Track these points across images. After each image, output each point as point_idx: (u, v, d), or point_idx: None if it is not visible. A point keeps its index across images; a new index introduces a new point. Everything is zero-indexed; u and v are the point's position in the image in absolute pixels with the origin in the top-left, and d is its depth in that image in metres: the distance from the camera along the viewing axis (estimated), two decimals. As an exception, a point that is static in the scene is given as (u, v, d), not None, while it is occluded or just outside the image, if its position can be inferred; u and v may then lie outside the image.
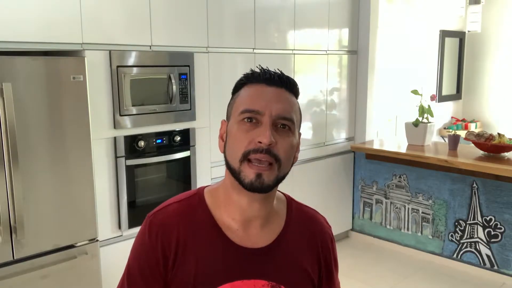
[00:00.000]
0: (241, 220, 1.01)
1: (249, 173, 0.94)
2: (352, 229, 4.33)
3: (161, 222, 1.01)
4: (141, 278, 1.00)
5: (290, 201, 1.11)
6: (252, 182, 0.94)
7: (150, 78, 2.69)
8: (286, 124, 0.97)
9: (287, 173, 0.99)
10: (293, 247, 1.04)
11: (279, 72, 1.01)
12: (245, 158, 0.94)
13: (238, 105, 0.98)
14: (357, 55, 4.09)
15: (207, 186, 1.08)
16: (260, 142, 0.93)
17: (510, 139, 3.42)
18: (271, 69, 1.03)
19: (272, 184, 0.96)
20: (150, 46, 2.69)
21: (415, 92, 3.73)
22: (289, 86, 1.01)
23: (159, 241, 0.99)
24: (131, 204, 2.66)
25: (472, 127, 5.70)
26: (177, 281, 0.98)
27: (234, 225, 1.01)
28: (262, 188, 0.95)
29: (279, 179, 0.97)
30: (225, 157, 1.00)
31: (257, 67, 1.03)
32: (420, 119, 3.77)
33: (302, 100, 3.61)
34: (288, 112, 0.97)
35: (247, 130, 0.95)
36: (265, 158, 0.93)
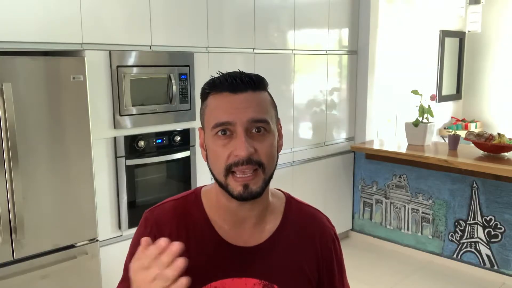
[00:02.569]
0: (233, 221, 1.01)
1: (235, 186, 0.93)
2: (352, 229, 4.33)
3: (155, 219, 1.03)
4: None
5: (289, 199, 1.10)
6: (241, 194, 0.93)
7: (150, 78, 2.69)
8: (261, 127, 0.94)
9: (274, 171, 0.98)
10: (289, 246, 1.03)
11: (241, 73, 0.97)
12: (229, 172, 0.93)
13: (209, 118, 0.96)
14: (357, 55, 4.09)
15: (204, 185, 1.09)
16: (238, 156, 0.92)
17: (510, 139, 3.42)
18: (237, 70, 0.99)
19: (261, 190, 0.95)
20: (150, 46, 2.69)
21: (415, 92, 3.73)
22: (254, 86, 0.97)
23: (152, 237, 0.99)
24: (131, 204, 2.66)
25: (472, 127, 5.70)
26: None
27: (226, 226, 1.01)
28: (253, 197, 0.94)
29: (267, 182, 0.97)
30: (209, 168, 0.99)
31: (217, 73, 0.99)
32: (420, 119, 3.77)
33: (302, 100, 3.62)
34: (260, 114, 0.94)
35: (223, 145, 0.93)
36: (248, 168, 0.92)
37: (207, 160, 1.00)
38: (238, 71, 0.99)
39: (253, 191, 0.93)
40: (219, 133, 0.94)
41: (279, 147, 1.01)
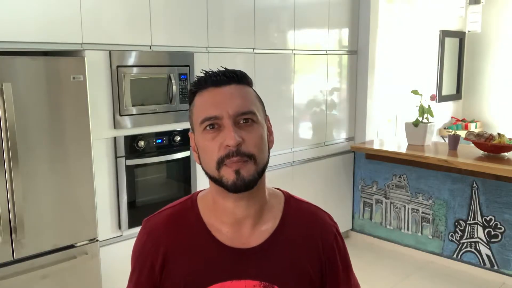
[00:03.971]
0: (231, 222, 1.00)
1: (228, 175, 0.93)
2: (352, 229, 4.33)
3: (152, 227, 1.04)
4: (131, 280, 1.05)
5: (288, 198, 1.09)
6: (234, 182, 0.93)
7: (150, 78, 2.69)
8: (248, 118, 0.95)
9: (266, 163, 0.99)
10: (289, 245, 1.02)
11: (224, 69, 1.00)
12: (221, 164, 0.94)
13: (196, 116, 0.98)
14: (357, 55, 4.08)
15: (201, 190, 1.09)
16: (228, 146, 0.92)
17: (510, 139, 3.42)
18: (218, 68, 1.01)
19: (254, 179, 0.95)
20: (150, 46, 2.69)
21: (415, 92, 3.73)
22: (237, 79, 0.99)
23: (147, 246, 1.02)
24: (131, 204, 2.66)
25: (472, 127, 5.70)
26: (167, 284, 1.00)
27: (224, 228, 1.01)
28: (246, 185, 0.94)
29: (260, 172, 0.96)
30: (202, 168, 1.00)
31: (200, 71, 1.02)
32: (420, 119, 3.77)
33: (302, 100, 3.62)
34: (245, 106, 0.96)
35: (212, 138, 0.94)
36: (238, 160, 0.93)
37: (200, 161, 1.00)
38: (222, 68, 1.00)
39: (246, 178, 0.93)
40: (208, 128, 0.95)
41: (270, 142, 1.02)
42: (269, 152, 1.00)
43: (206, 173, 0.99)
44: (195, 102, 1.00)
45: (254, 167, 0.94)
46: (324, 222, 1.09)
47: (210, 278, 0.98)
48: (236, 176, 0.93)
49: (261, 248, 1.00)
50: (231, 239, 1.00)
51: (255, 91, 1.03)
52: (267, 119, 1.03)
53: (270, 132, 1.02)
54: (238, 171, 0.93)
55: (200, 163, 1.00)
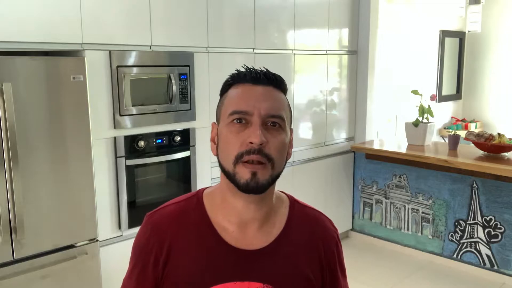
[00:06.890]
0: (238, 222, 1.00)
1: (244, 173, 0.93)
2: (352, 229, 4.33)
3: (155, 223, 1.02)
4: (132, 275, 1.03)
5: (293, 202, 1.09)
6: (247, 182, 0.93)
7: (150, 78, 2.69)
8: (276, 122, 0.96)
9: (281, 171, 0.99)
10: (293, 249, 1.03)
11: (265, 70, 1.00)
12: (239, 160, 0.93)
13: (227, 107, 0.98)
14: (357, 55, 4.09)
15: (207, 187, 1.09)
16: (251, 143, 0.92)
17: (510, 139, 3.42)
18: (260, 68, 1.01)
19: (267, 183, 0.95)
20: (150, 46, 2.69)
21: (415, 92, 3.73)
22: (276, 83, 0.99)
23: (151, 241, 1.00)
24: (131, 204, 2.66)
25: (472, 127, 5.70)
26: (169, 281, 0.99)
27: (231, 227, 1.00)
28: (258, 188, 0.94)
29: (274, 178, 0.97)
30: (218, 160, 1.00)
31: (242, 66, 1.02)
32: (420, 119, 3.77)
33: (302, 100, 3.62)
34: (277, 110, 0.96)
35: (237, 132, 0.94)
36: (257, 158, 0.92)
37: (216, 153, 1.00)
38: (264, 68, 1.01)
39: (260, 182, 0.93)
40: (235, 121, 0.95)
41: (288, 155, 1.02)
42: (285, 163, 1.00)
43: (221, 166, 0.98)
44: (228, 93, 1.00)
45: (270, 172, 0.94)
46: (326, 228, 1.10)
47: (214, 278, 0.97)
48: (251, 177, 0.93)
49: (266, 250, 1.00)
50: (236, 240, 1.00)
51: (287, 100, 1.03)
52: (291, 131, 1.03)
53: (290, 145, 1.02)
54: (255, 173, 0.93)
55: (217, 155, 1.00)
